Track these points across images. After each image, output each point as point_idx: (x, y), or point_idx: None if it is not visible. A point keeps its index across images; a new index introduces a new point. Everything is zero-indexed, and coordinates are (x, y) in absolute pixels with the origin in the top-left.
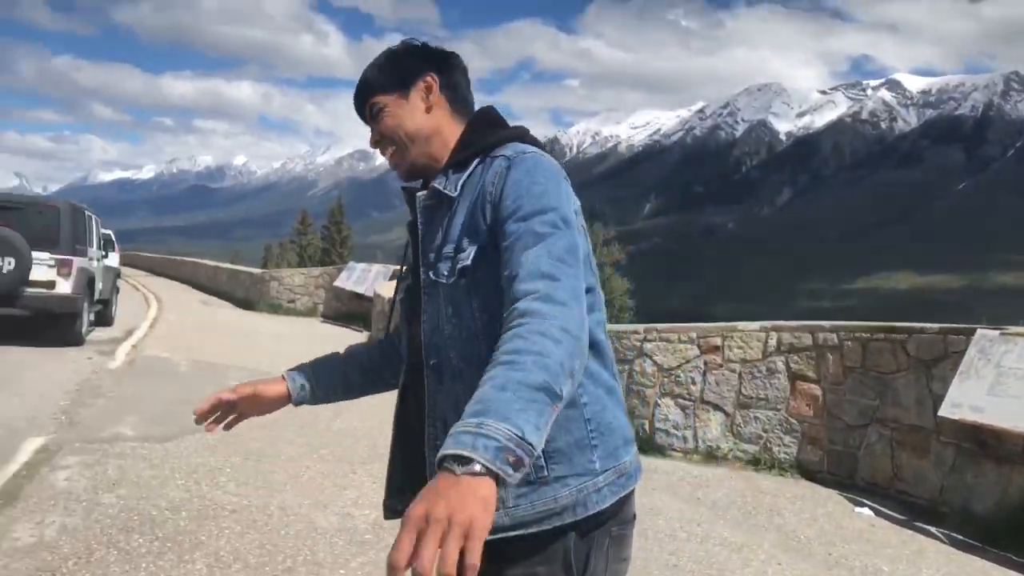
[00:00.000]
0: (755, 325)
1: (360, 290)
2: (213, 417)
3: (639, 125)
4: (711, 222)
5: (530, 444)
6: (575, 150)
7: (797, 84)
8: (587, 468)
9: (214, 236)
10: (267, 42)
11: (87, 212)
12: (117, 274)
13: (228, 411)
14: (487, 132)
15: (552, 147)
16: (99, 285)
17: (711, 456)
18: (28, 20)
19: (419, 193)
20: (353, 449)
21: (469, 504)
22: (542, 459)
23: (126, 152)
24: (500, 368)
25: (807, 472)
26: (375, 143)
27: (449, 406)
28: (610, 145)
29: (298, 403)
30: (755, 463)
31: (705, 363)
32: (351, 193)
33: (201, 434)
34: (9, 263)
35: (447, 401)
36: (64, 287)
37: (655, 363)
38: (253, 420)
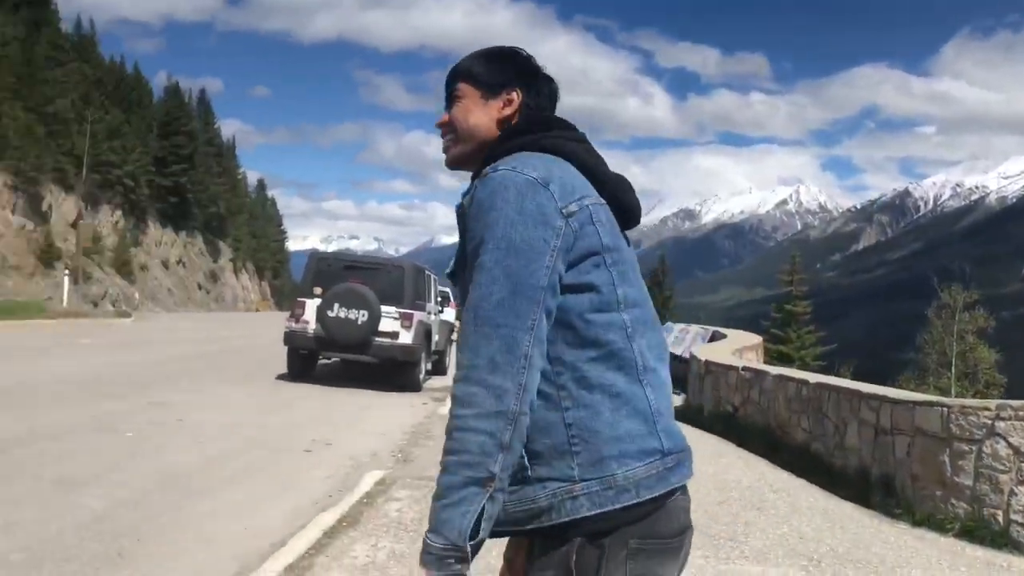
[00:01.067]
0: None
1: (677, 351)
2: None
3: (1012, 174)
4: None
5: (456, 546)
6: (931, 203)
7: None
8: (565, 474)
9: None
10: (594, 108)
11: (427, 272)
12: (452, 328)
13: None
14: (504, 142)
15: (903, 200)
16: (435, 337)
17: None
18: (388, 102)
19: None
20: None
21: None
22: (525, 459)
23: None
24: (439, 475)
25: None
26: (438, 124)
27: None
28: (975, 197)
29: None
30: None
31: None
32: (675, 252)
33: None
34: (363, 315)
35: None
36: (406, 338)
37: (1010, 445)
38: None
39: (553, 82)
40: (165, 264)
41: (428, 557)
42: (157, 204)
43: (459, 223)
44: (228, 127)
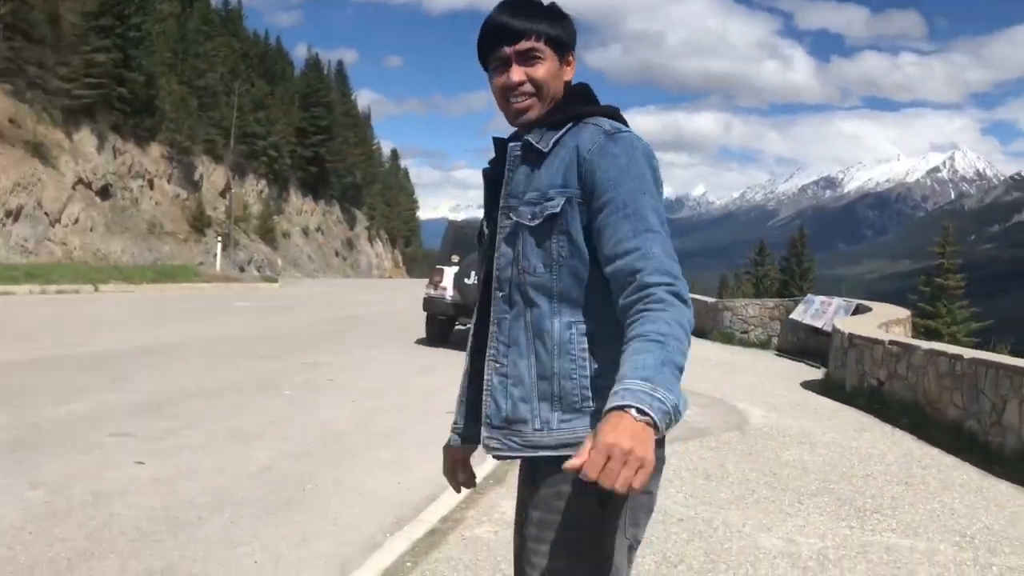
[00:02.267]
0: None
1: (818, 324)
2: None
3: None
4: None
5: (680, 412)
6: None
7: None
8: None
9: None
10: (729, 72)
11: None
12: None
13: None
14: (582, 103)
15: None
16: None
17: None
18: None
19: (511, 144)
20: (801, 480)
21: (646, 445)
22: (588, 390)
23: None
24: (655, 346)
25: None
26: (518, 83)
27: (518, 330)
28: None
29: (469, 438)
30: None
31: None
32: (815, 222)
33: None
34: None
35: (516, 326)
36: None
37: None
38: (702, 442)
39: None
40: (305, 232)
41: (659, 405)
42: (298, 173)
43: (511, 162)
44: (363, 98)
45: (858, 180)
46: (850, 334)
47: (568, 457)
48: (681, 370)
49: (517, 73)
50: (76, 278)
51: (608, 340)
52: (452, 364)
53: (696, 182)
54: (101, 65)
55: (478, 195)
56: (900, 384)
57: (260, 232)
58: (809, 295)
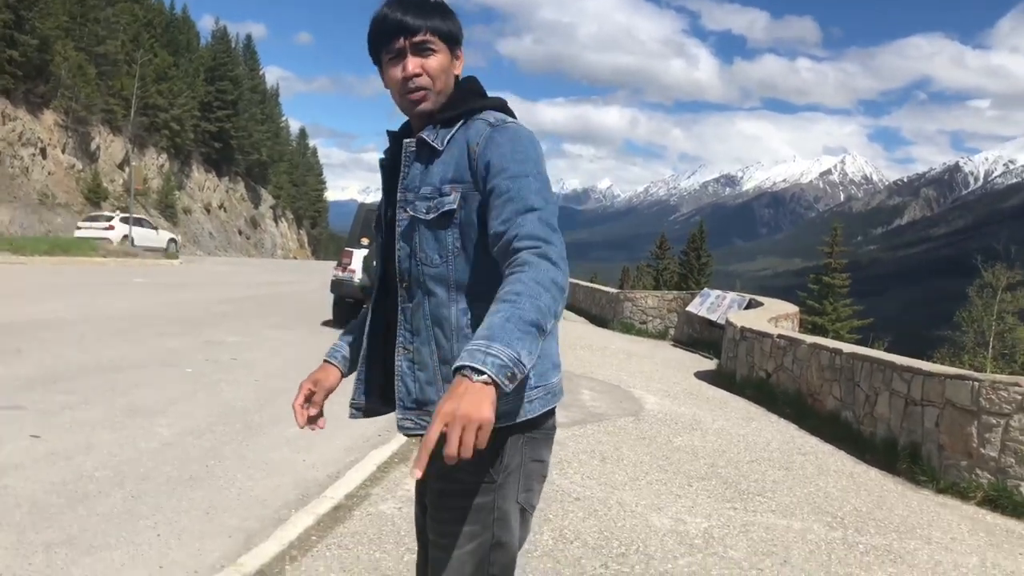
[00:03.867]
0: None
1: (712, 317)
2: (308, 407)
3: None
4: None
5: (524, 364)
6: (981, 179)
7: None
8: (524, 383)
9: (575, 256)
10: (638, 68)
11: None
12: None
13: (312, 396)
14: (473, 98)
15: (952, 175)
16: None
17: None
18: None
19: (406, 140)
20: (691, 464)
21: (483, 406)
22: None
23: None
24: (505, 305)
25: None
26: (414, 73)
27: (420, 318)
28: None
29: (348, 374)
30: None
31: None
32: (714, 219)
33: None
34: None
35: (418, 314)
36: None
37: None
38: (599, 426)
39: None
40: (207, 208)
41: (493, 360)
42: (201, 149)
43: (407, 158)
44: (271, 74)
45: (756, 179)
46: (742, 327)
47: None
48: (535, 324)
49: (413, 63)
50: None
51: None
52: None
53: (602, 175)
54: None
55: None
56: (786, 376)
57: (160, 207)
58: (705, 289)
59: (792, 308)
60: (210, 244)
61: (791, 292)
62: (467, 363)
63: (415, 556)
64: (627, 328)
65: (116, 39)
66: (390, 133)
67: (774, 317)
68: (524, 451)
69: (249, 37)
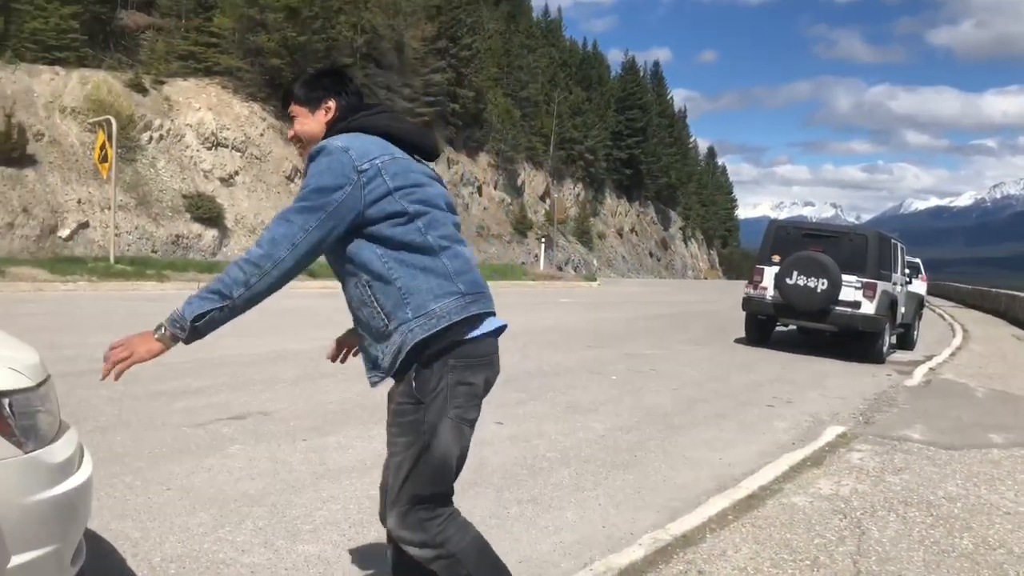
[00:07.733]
0: None
1: None
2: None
3: None
4: None
5: (184, 319)
6: None
7: None
8: (405, 317)
9: None
10: None
11: (893, 240)
12: (920, 301)
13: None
14: (331, 130)
15: None
16: (901, 309)
17: None
18: (845, 56)
19: None
20: None
21: (136, 342)
22: (384, 320)
23: (943, 179)
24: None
25: None
26: (291, 137)
27: (345, 300)
28: None
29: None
30: None
31: None
32: None
33: (987, 449)
34: (823, 283)
35: (344, 297)
36: (868, 308)
37: None
38: None
39: (355, 82)
40: (620, 233)
41: (163, 320)
42: (613, 176)
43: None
44: (677, 96)
45: None
46: None
47: (400, 373)
48: (215, 291)
49: (290, 131)
50: None
51: (382, 281)
52: (771, 362)
53: None
54: (438, 84)
55: (801, 192)
56: None
57: (577, 234)
58: None
59: None
60: (623, 267)
61: None
62: (159, 323)
63: (827, 543)
64: None
65: (536, 82)
66: None
67: None
68: (448, 376)
69: (656, 64)
